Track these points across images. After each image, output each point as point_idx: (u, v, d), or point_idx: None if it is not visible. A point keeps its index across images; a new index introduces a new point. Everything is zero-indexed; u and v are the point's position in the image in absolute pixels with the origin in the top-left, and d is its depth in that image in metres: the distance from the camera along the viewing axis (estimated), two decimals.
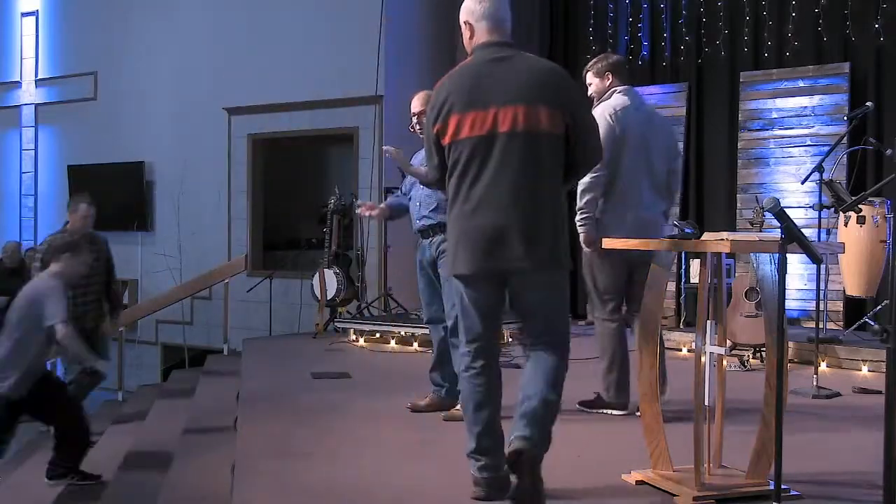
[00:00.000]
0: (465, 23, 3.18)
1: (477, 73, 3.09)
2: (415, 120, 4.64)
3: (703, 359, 3.26)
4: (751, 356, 6.28)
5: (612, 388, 4.58)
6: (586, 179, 4.30)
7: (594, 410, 4.63)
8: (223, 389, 6.08)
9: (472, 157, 3.05)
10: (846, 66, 7.83)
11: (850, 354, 6.27)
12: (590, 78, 4.75)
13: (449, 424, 4.50)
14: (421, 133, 4.37)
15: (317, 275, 8.28)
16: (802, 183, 6.06)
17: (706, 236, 3.25)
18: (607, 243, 3.76)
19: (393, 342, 7.49)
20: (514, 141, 3.02)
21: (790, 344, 6.17)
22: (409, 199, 4.81)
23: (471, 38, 3.18)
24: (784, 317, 3.07)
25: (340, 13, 9.36)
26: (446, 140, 3.10)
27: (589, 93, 4.72)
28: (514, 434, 3.04)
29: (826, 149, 6.43)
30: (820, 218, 6.02)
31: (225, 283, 9.03)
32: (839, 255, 6.53)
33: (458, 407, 4.44)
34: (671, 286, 7.76)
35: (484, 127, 3.03)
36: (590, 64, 4.81)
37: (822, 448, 4.05)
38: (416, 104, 4.64)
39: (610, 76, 4.69)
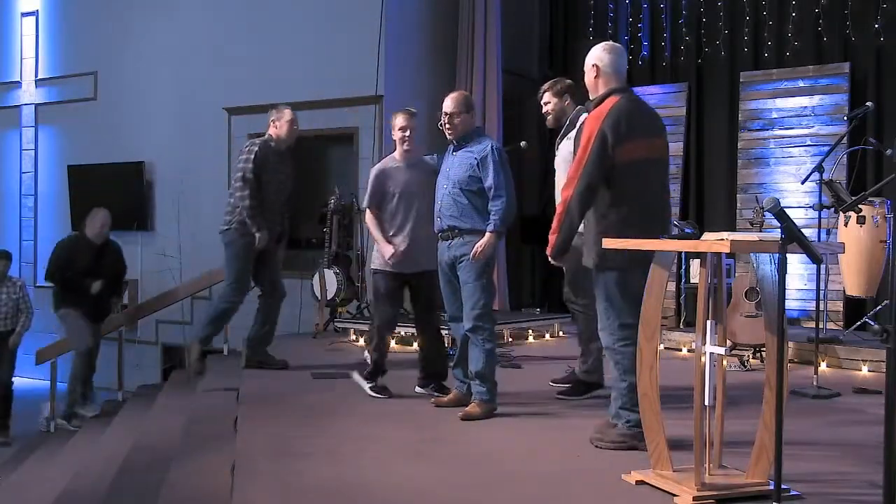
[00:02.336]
0: (593, 66, 3.95)
1: (632, 110, 3.88)
2: (445, 119, 4.82)
3: (703, 359, 3.26)
4: (751, 356, 6.28)
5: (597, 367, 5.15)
6: None
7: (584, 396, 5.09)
8: (223, 389, 6.08)
9: (642, 174, 3.84)
10: (846, 66, 7.84)
11: (850, 354, 6.28)
12: (548, 97, 5.19)
13: (448, 424, 4.50)
14: (448, 131, 4.79)
15: (317, 275, 8.27)
16: (802, 183, 6.07)
17: (706, 236, 3.25)
18: (609, 243, 3.82)
19: (393, 342, 7.47)
20: (663, 163, 4.06)
21: (790, 344, 6.17)
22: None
23: (596, 77, 3.96)
24: (784, 317, 3.08)
25: (340, 13, 9.35)
26: (620, 159, 3.78)
27: (545, 110, 5.21)
28: None
29: (826, 149, 6.44)
30: (820, 218, 6.02)
31: None
32: (839, 255, 6.54)
33: (475, 405, 4.62)
34: (671, 286, 7.76)
35: (650, 151, 3.88)
36: (547, 85, 5.24)
37: (822, 448, 4.05)
38: (449, 105, 4.79)
39: (567, 97, 5.14)
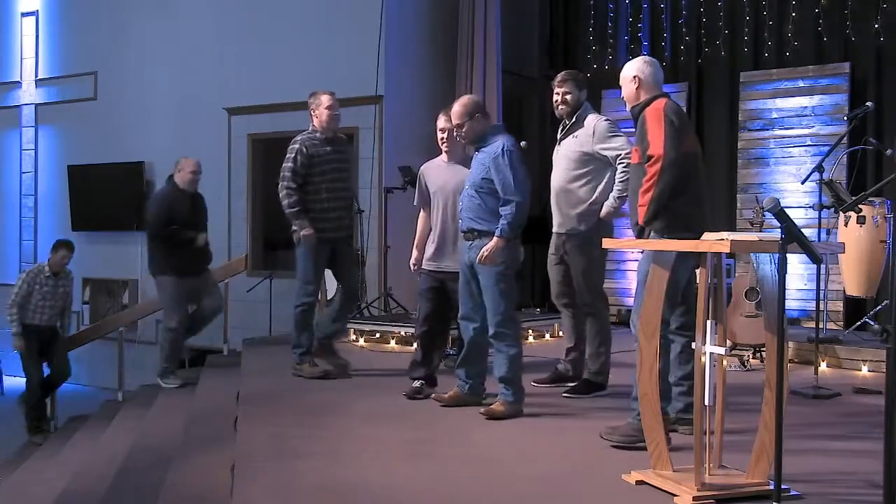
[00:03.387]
0: (635, 77, 4.10)
1: (680, 110, 4.09)
2: (457, 131, 4.90)
3: (703, 359, 3.26)
4: (751, 356, 6.28)
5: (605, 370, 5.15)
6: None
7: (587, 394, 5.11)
8: (223, 389, 6.08)
9: (693, 170, 3.99)
10: (846, 66, 7.83)
11: (850, 354, 6.27)
12: (569, 87, 5.13)
13: (448, 424, 4.50)
14: (463, 140, 4.89)
15: None
16: (802, 183, 6.07)
17: (706, 236, 3.25)
18: (608, 243, 3.82)
19: (393, 342, 7.48)
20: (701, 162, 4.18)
21: (790, 344, 6.17)
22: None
23: (638, 88, 4.10)
24: (784, 317, 3.08)
25: (340, 13, 9.36)
26: (686, 148, 3.93)
27: (561, 99, 5.13)
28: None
29: (826, 149, 6.44)
30: (820, 218, 6.03)
31: (225, 283, 9.02)
32: (839, 255, 6.53)
33: (500, 403, 4.60)
34: None
35: (697, 148, 4.09)
36: (568, 74, 5.22)
37: (822, 448, 4.05)
38: (455, 118, 4.81)
39: (585, 91, 5.17)
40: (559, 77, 5.19)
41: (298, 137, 5.81)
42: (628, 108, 4.14)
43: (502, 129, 4.86)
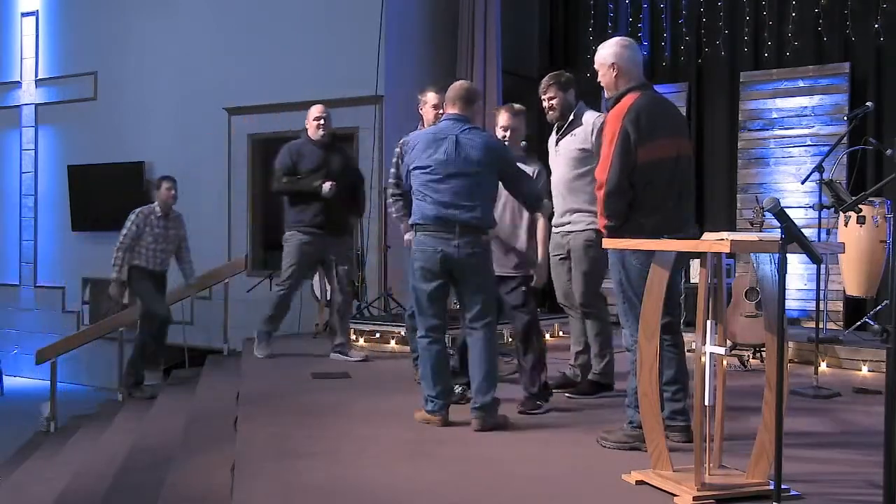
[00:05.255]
0: (613, 64, 3.86)
1: (661, 108, 3.88)
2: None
3: (703, 359, 3.27)
4: (751, 356, 6.28)
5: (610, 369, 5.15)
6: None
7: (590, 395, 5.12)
8: (223, 389, 6.09)
9: (675, 172, 3.86)
10: (846, 66, 7.83)
11: (850, 354, 6.28)
12: (553, 91, 5.06)
13: (449, 425, 4.50)
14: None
15: (317, 275, 8.26)
16: (802, 183, 6.07)
17: (706, 236, 3.25)
18: (608, 243, 3.82)
19: (393, 342, 7.48)
20: (690, 163, 4.02)
21: (790, 344, 6.17)
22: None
23: (617, 77, 3.88)
24: (784, 317, 3.07)
25: (341, 13, 9.36)
26: (642, 159, 3.73)
27: (548, 105, 5.09)
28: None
29: (826, 149, 6.44)
30: (820, 218, 6.02)
31: (225, 283, 9.02)
32: (839, 255, 6.54)
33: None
34: None
35: (673, 150, 3.85)
36: (551, 78, 5.11)
37: (822, 448, 4.05)
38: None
39: (572, 91, 5.08)
40: (542, 84, 5.13)
41: (403, 138, 5.42)
42: (606, 96, 3.95)
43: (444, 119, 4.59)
